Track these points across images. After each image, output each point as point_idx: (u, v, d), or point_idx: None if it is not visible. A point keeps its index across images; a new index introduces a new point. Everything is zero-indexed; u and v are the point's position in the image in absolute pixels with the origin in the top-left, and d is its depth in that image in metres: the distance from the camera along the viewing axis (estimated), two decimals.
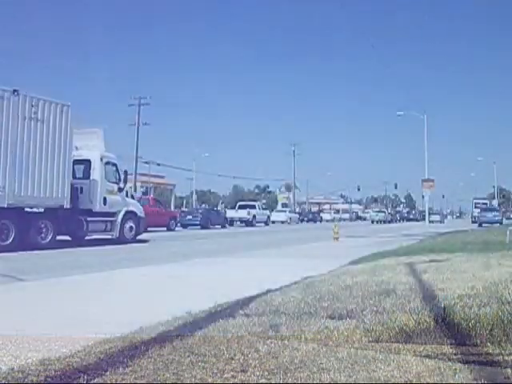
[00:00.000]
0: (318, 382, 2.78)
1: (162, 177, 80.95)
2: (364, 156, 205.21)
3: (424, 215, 53.69)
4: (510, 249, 10.84)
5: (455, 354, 3.11)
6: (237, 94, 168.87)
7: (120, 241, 16.36)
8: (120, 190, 17.04)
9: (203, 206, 69.27)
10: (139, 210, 18.22)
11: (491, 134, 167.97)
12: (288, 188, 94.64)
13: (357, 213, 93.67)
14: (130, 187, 19.48)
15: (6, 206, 12.86)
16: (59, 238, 14.93)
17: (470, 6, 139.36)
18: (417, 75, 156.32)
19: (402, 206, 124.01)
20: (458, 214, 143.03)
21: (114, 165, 17.09)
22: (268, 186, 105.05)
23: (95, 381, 2.84)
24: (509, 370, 2.84)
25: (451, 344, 3.34)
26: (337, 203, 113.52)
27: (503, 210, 64.05)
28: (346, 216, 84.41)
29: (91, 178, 15.90)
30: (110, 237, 16.53)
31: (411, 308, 4.56)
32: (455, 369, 2.85)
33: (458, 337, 3.53)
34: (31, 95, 13.78)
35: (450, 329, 3.76)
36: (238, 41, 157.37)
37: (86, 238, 16.00)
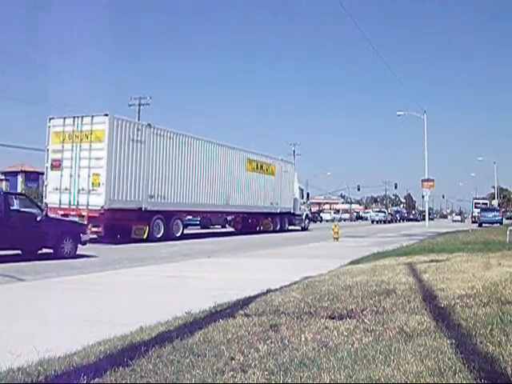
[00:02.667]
0: (317, 382, 2.78)
1: None
2: (364, 156, 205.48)
3: (424, 215, 53.67)
4: (509, 249, 10.84)
5: (455, 354, 3.11)
6: (237, 94, 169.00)
7: (303, 229, 32.21)
8: (304, 203, 33.58)
9: None
10: (309, 213, 36.79)
11: (491, 134, 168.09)
12: None
13: (358, 213, 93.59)
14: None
15: (278, 211, 28.76)
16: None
17: (471, 3, 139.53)
18: (417, 75, 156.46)
19: (401, 205, 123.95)
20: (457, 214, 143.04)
21: (302, 189, 33.51)
22: None
23: (95, 381, 2.84)
24: (509, 370, 2.84)
25: (451, 344, 3.34)
26: (337, 203, 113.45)
27: (503, 209, 64.00)
28: (347, 216, 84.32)
29: (294, 196, 31.04)
30: (299, 228, 32.09)
31: (411, 308, 4.56)
32: (455, 369, 2.85)
33: (458, 337, 3.53)
34: (285, 160, 31.56)
35: (449, 329, 3.76)
36: (236, 47, 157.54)
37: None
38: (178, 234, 20.05)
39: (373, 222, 64.14)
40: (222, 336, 3.74)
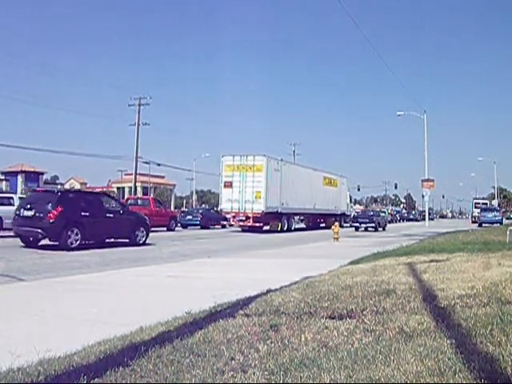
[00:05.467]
0: (317, 382, 2.78)
1: (162, 177, 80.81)
2: (364, 156, 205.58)
3: (424, 215, 53.66)
4: (510, 249, 10.83)
5: (455, 354, 3.11)
6: (237, 94, 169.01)
7: (351, 226, 36.31)
8: (351, 206, 45.76)
9: (203, 206, 69.33)
10: (355, 214, 42.20)
11: (491, 134, 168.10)
12: None
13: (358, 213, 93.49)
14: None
15: (339, 213, 38.57)
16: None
17: (471, 3, 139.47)
18: (417, 75, 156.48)
19: (401, 205, 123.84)
20: (459, 215, 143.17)
21: (350, 196, 45.25)
22: None
23: (95, 381, 2.84)
24: (509, 370, 2.84)
25: (451, 344, 3.34)
26: None
27: (503, 210, 63.87)
28: None
29: (347, 201, 41.69)
30: (348, 225, 37.66)
31: (411, 308, 4.56)
32: (455, 369, 2.84)
33: (458, 337, 3.53)
34: (342, 175, 41.43)
35: (449, 329, 3.76)
36: (235, 46, 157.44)
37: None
38: (293, 228, 31.09)
39: None
40: (222, 336, 3.74)
